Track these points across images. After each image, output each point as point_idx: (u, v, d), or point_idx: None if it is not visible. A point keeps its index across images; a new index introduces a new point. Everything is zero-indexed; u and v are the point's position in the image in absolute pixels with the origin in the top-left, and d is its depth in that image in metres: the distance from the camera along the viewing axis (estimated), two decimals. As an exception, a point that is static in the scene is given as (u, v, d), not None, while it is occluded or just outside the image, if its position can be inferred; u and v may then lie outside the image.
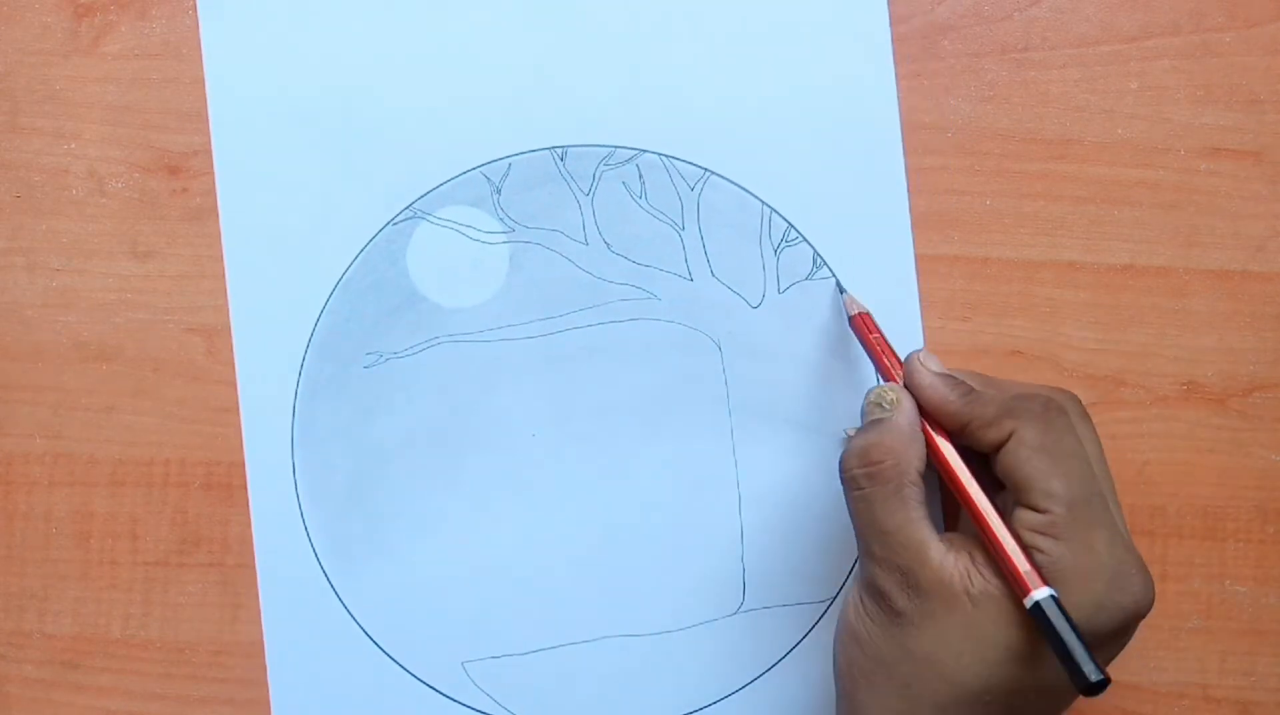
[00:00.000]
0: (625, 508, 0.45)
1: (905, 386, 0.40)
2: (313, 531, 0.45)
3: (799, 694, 0.45)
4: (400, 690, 0.45)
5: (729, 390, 0.45)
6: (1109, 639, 0.37)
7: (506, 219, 0.45)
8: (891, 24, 0.45)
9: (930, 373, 0.40)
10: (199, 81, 0.45)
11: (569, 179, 0.45)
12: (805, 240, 0.45)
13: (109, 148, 0.46)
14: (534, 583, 0.45)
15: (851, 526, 0.40)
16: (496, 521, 0.45)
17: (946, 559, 0.37)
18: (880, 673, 0.38)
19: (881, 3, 0.45)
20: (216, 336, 0.45)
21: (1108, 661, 0.38)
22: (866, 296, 0.45)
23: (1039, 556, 0.36)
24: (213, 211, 0.45)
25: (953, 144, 0.45)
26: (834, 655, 0.40)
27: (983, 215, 0.45)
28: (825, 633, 0.45)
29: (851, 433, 0.42)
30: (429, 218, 0.45)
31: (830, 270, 0.45)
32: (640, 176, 0.45)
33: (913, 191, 0.45)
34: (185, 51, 0.46)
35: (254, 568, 0.45)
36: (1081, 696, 0.35)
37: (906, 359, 0.41)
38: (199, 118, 0.45)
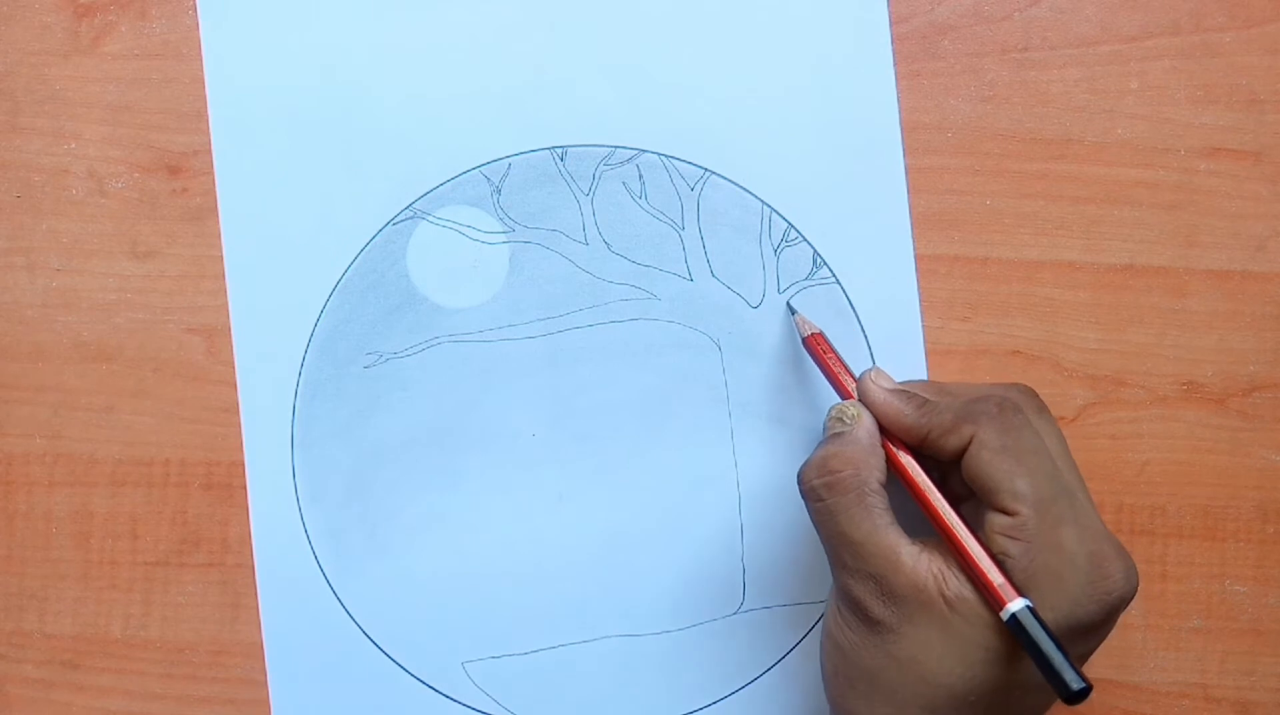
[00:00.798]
0: (625, 508, 0.45)
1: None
2: (311, 531, 0.45)
3: (799, 694, 0.45)
4: (400, 690, 0.45)
5: (729, 390, 0.45)
6: (1091, 631, 0.37)
7: (506, 219, 0.45)
8: (891, 24, 0.45)
9: (883, 389, 0.40)
10: (199, 81, 0.45)
11: (569, 179, 0.45)
12: (805, 240, 0.45)
13: (109, 148, 0.46)
14: (533, 583, 0.45)
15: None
16: (496, 521, 0.45)
17: (919, 562, 0.37)
18: (865, 680, 0.38)
19: (881, 3, 0.45)
20: (216, 336, 0.45)
21: (1092, 651, 0.38)
22: (866, 296, 0.45)
23: (1010, 562, 0.36)
24: (213, 211, 0.45)
25: (953, 144, 0.45)
26: (820, 665, 0.40)
27: (983, 215, 0.45)
28: (825, 633, 0.45)
29: None
30: (429, 218, 0.45)
31: (830, 270, 0.45)
32: (640, 176, 0.45)
33: (912, 191, 0.45)
34: (185, 51, 0.46)
35: (254, 568, 0.45)
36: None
37: (859, 378, 0.41)
38: (199, 118, 0.45)
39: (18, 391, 0.45)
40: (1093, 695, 0.36)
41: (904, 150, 0.45)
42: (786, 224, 0.45)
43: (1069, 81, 0.45)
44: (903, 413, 0.39)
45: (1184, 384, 0.45)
